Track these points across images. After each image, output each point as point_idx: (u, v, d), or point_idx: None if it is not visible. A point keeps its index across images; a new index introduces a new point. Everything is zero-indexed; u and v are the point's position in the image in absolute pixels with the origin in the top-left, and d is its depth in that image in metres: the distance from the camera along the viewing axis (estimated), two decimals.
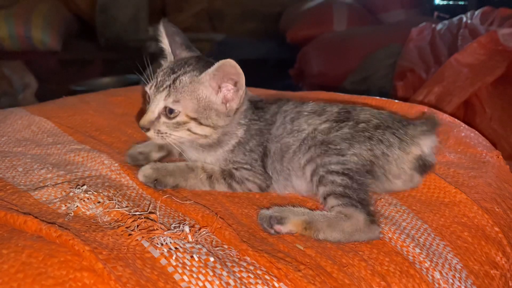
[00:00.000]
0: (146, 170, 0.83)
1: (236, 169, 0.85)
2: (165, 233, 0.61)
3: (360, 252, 0.70)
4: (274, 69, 3.93)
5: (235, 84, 0.82)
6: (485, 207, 0.85)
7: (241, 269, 0.60)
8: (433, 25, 2.71)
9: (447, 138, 1.08)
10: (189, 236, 0.62)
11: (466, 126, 1.18)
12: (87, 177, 0.83)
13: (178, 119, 0.81)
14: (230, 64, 0.79)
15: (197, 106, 0.81)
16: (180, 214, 0.73)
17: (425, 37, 2.68)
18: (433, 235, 0.78)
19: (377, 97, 1.32)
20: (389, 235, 0.76)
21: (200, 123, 0.81)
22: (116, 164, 0.85)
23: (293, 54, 3.67)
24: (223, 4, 4.80)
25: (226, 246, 0.65)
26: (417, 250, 0.73)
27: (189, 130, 0.81)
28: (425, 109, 1.24)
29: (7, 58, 3.78)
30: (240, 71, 0.80)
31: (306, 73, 3.49)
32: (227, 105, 0.83)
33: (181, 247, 0.59)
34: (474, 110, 2.15)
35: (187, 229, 0.62)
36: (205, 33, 4.65)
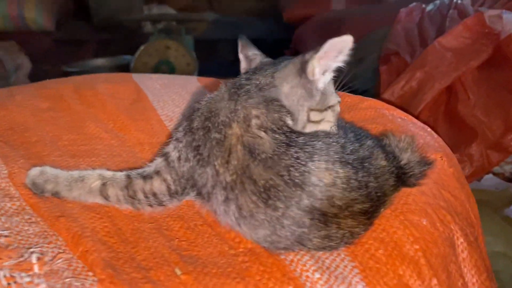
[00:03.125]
0: (33, 171, 0.77)
1: None
2: (5, 264, 0.54)
3: (247, 279, 0.63)
4: (271, 49, 3.83)
5: None
6: (410, 220, 0.76)
7: None
8: (423, 6, 2.58)
9: None
10: (36, 267, 0.55)
11: (419, 124, 1.08)
12: None
13: None
14: None
15: None
16: (54, 233, 0.66)
17: (413, 19, 2.56)
18: (343, 255, 0.70)
19: None
20: (290, 256, 0.68)
21: None
22: (5, 171, 0.79)
23: (290, 34, 3.56)
24: None
25: (84, 275, 0.58)
26: (317, 275, 0.65)
27: None
28: (378, 104, 1.16)
29: None
30: None
31: (300, 54, 3.36)
32: None
33: (17, 281, 0.52)
34: (457, 97, 2.04)
35: (34, 258, 0.55)
36: (198, 13, 4.55)
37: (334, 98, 0.80)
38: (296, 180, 0.65)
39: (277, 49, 3.64)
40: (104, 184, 0.75)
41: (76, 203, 0.75)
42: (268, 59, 0.84)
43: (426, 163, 0.84)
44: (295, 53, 3.58)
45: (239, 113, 0.71)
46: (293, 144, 0.68)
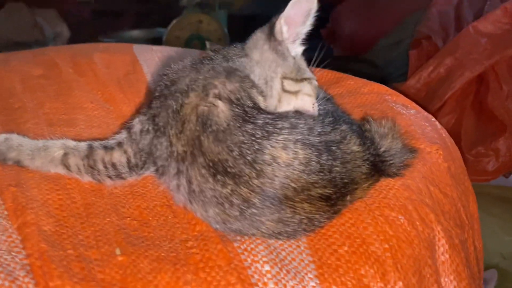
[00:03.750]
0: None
1: None
2: None
3: (188, 266, 0.59)
4: None
5: None
6: (386, 216, 0.70)
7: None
8: None
9: None
10: None
11: (422, 113, 1.00)
12: None
13: None
14: None
15: None
16: (2, 202, 0.64)
17: (451, 1, 2.40)
18: (303, 247, 0.65)
19: (334, 71, 1.16)
20: (244, 245, 0.64)
21: None
22: None
23: (327, 13, 3.45)
24: None
25: (20, 248, 0.56)
26: (266, 267, 0.60)
27: None
28: (382, 89, 1.08)
29: (40, 6, 3.76)
30: None
31: (337, 34, 3.26)
32: None
33: None
34: (488, 87, 1.90)
35: None
36: None
37: (309, 73, 0.76)
38: (247, 158, 0.61)
39: (313, 28, 3.55)
40: (66, 154, 0.73)
41: (37, 173, 0.73)
42: None
43: (409, 151, 0.77)
44: (332, 32, 3.44)
45: (199, 82, 0.68)
46: (251, 121, 0.64)
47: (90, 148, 0.73)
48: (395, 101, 1.02)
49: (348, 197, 0.68)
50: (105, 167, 0.72)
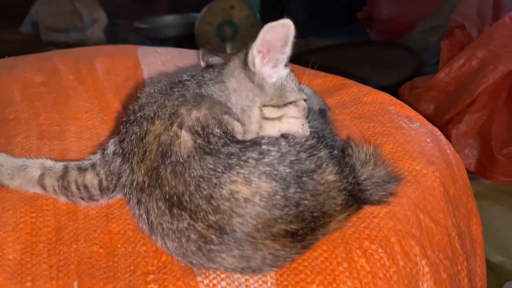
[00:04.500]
0: None
1: None
2: None
3: None
4: (342, 11, 3.62)
5: None
6: (364, 249, 0.66)
7: None
8: None
9: (385, 142, 0.87)
10: None
11: (426, 127, 0.93)
12: None
13: None
14: None
15: None
16: None
17: None
18: (270, 283, 0.62)
19: (339, 76, 1.10)
20: (207, 280, 0.62)
21: None
22: None
23: None
24: None
25: None
26: None
27: None
28: (386, 98, 1.02)
29: None
30: None
31: (374, 17, 3.15)
32: None
33: None
34: None
35: None
36: None
37: (295, 95, 0.72)
38: (204, 193, 0.59)
39: (350, 11, 3.43)
40: (43, 174, 0.73)
41: (17, 193, 0.74)
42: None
43: (394, 179, 0.72)
44: (368, 16, 3.31)
45: (166, 109, 0.66)
46: (212, 153, 0.61)
47: (65, 169, 0.73)
48: (398, 112, 0.96)
49: (321, 231, 0.65)
50: (78, 188, 0.72)
